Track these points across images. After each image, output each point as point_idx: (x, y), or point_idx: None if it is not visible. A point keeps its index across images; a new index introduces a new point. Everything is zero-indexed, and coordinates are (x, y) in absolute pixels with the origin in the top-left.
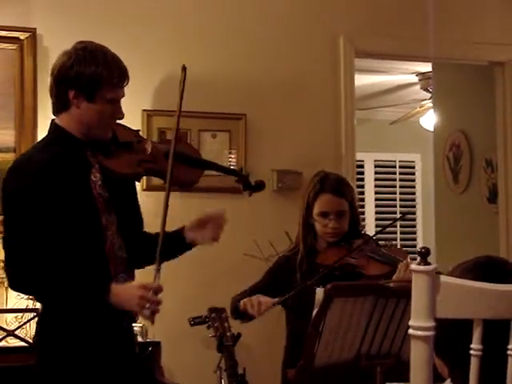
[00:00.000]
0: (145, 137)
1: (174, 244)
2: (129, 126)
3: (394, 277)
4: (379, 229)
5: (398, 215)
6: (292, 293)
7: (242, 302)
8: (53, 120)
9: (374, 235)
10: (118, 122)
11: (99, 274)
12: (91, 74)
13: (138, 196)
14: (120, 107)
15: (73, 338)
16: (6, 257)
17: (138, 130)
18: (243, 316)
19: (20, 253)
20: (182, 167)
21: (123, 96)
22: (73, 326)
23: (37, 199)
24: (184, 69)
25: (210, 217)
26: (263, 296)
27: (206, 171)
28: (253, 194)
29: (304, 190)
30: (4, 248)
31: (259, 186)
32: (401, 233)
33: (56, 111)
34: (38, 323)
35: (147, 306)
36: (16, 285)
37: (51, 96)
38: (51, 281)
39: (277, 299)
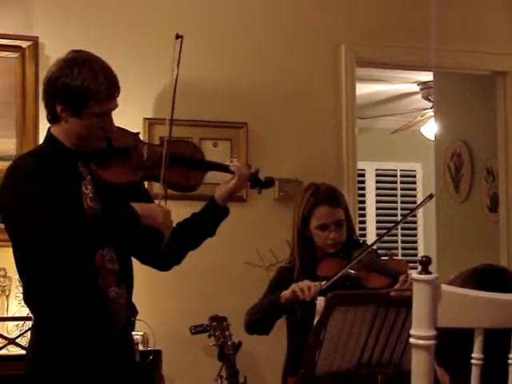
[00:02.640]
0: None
1: (210, 214)
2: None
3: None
4: (379, 237)
5: (400, 225)
6: (335, 278)
7: (286, 292)
8: (49, 128)
9: (373, 244)
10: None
11: (88, 286)
12: (76, 88)
13: None
14: (110, 120)
15: (65, 348)
16: (23, 238)
17: (138, 133)
18: (279, 313)
19: (39, 220)
20: (181, 170)
21: (115, 107)
22: (65, 336)
23: (30, 193)
24: (179, 37)
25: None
26: (309, 280)
27: (211, 179)
28: (262, 191)
29: (296, 204)
30: (18, 235)
31: (269, 183)
32: (402, 241)
33: (50, 121)
34: (31, 333)
35: (168, 224)
36: (50, 241)
37: (44, 105)
38: (82, 224)
39: (324, 282)
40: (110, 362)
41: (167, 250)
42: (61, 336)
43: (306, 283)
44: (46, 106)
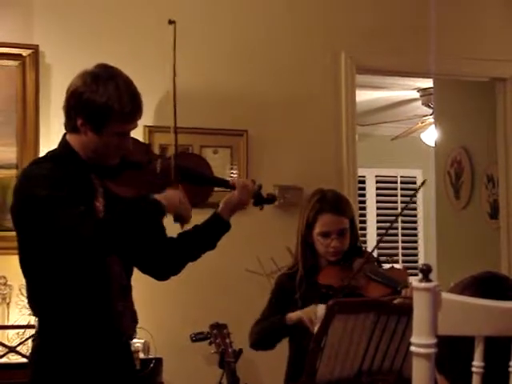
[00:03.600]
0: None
1: (211, 228)
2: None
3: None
4: (379, 244)
5: (400, 231)
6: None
7: (292, 316)
8: (65, 134)
9: (373, 250)
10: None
11: (97, 298)
12: (101, 106)
13: None
14: (128, 140)
15: (70, 356)
16: (74, 238)
17: (149, 145)
18: (282, 334)
19: (84, 224)
20: (190, 187)
21: (135, 128)
22: (70, 345)
23: (59, 196)
24: (171, 23)
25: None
26: (315, 307)
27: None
28: (264, 207)
29: (302, 209)
30: (66, 236)
31: (271, 200)
32: (402, 248)
33: (67, 129)
34: (33, 341)
35: (187, 206)
36: (98, 245)
37: (64, 113)
38: (120, 215)
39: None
40: (113, 370)
41: (166, 259)
42: (65, 345)
43: (314, 311)
44: (67, 117)
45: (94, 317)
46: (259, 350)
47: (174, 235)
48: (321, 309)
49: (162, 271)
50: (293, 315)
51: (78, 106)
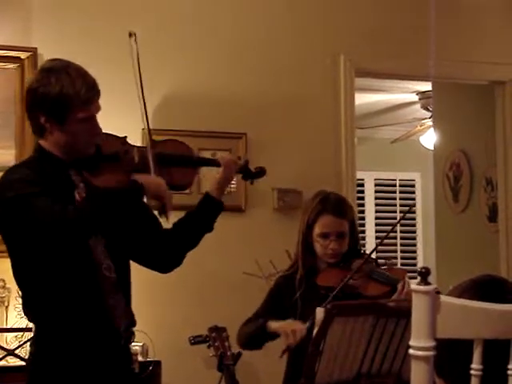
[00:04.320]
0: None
1: (205, 209)
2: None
3: (394, 297)
4: (378, 247)
5: (399, 234)
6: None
7: (273, 324)
8: (37, 142)
9: (371, 252)
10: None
11: (87, 294)
12: (57, 96)
13: None
14: (96, 123)
15: (67, 358)
16: (56, 225)
17: (125, 137)
18: (265, 339)
19: (63, 211)
20: (171, 170)
21: (98, 110)
22: (67, 345)
23: (36, 194)
24: (132, 35)
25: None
26: (295, 322)
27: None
28: (254, 182)
29: (304, 209)
30: (46, 227)
31: (259, 173)
32: (401, 251)
33: (36, 135)
34: (31, 344)
35: (168, 190)
36: (78, 229)
37: (28, 119)
38: (94, 199)
39: (307, 324)
40: (111, 372)
41: (166, 251)
42: (62, 345)
43: (292, 326)
44: (30, 119)
45: (87, 312)
46: (246, 350)
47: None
48: (319, 312)
49: (163, 263)
50: (273, 324)
51: (36, 102)
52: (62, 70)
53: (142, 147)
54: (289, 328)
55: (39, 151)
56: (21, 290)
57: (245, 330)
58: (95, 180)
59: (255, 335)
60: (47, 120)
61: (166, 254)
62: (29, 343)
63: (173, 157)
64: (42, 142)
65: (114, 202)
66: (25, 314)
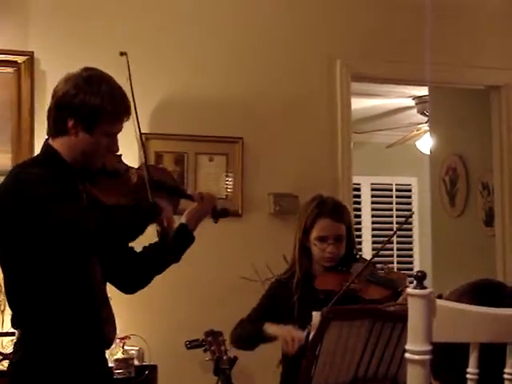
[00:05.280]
0: (142, 160)
1: (178, 239)
2: (120, 149)
3: (398, 301)
4: (376, 252)
5: (395, 238)
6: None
7: (270, 327)
8: (46, 140)
9: (372, 258)
10: None
11: (83, 305)
12: (94, 106)
13: None
14: (116, 141)
15: (51, 367)
16: (81, 230)
17: (120, 155)
18: (259, 341)
19: (75, 212)
20: (162, 195)
21: (121, 130)
22: (51, 354)
23: (60, 195)
24: (123, 54)
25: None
26: (294, 328)
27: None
28: (219, 221)
29: (300, 213)
30: (72, 229)
31: (223, 214)
32: (397, 256)
33: (52, 134)
34: (15, 351)
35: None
36: (101, 236)
37: (49, 118)
38: (123, 210)
39: (306, 332)
40: (93, 377)
41: (133, 272)
42: (53, 352)
43: (292, 333)
44: (54, 119)
45: (81, 324)
46: (238, 349)
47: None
48: (316, 316)
49: (128, 284)
50: (271, 328)
51: (69, 108)
52: (103, 81)
53: (138, 168)
54: (289, 335)
55: (48, 152)
56: (8, 290)
57: (239, 333)
58: (96, 192)
59: (250, 337)
60: (75, 125)
61: (131, 276)
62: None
63: (165, 184)
64: (54, 143)
65: (134, 220)
66: (13, 319)
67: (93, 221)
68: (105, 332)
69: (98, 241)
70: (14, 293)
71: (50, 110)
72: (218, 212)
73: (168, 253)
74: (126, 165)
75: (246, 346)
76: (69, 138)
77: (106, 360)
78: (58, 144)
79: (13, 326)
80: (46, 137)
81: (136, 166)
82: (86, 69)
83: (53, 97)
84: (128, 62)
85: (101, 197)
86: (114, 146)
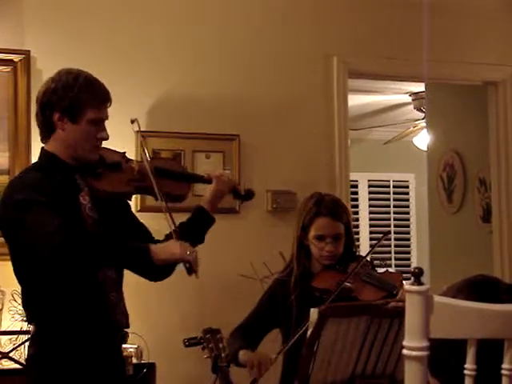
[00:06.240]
0: (139, 158)
1: (197, 221)
2: (117, 148)
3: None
4: (365, 255)
5: (393, 235)
6: (290, 344)
7: (242, 355)
8: (42, 147)
9: (366, 255)
10: (104, 146)
11: (90, 292)
12: (74, 96)
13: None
14: (104, 128)
15: (66, 359)
16: (44, 244)
17: (124, 152)
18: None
19: (56, 232)
20: (168, 182)
21: (107, 117)
22: (67, 344)
23: (41, 203)
24: (133, 122)
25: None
26: (261, 355)
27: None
28: (244, 203)
29: (298, 211)
30: (37, 242)
31: (248, 196)
32: (395, 252)
33: (43, 137)
34: (30, 345)
35: (188, 252)
36: (63, 252)
37: (38, 123)
38: (93, 241)
39: (275, 356)
40: (106, 373)
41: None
42: (63, 346)
43: (258, 358)
44: (41, 121)
45: (89, 309)
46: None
47: None
48: (313, 313)
49: (154, 273)
50: (242, 356)
51: (51, 103)
52: (79, 75)
53: (141, 160)
54: (255, 360)
55: (45, 156)
56: (22, 288)
57: (228, 346)
58: (97, 184)
59: (231, 359)
60: (60, 117)
61: (152, 268)
62: (27, 345)
63: (169, 170)
64: (48, 147)
65: (116, 253)
66: (25, 313)
67: (60, 236)
68: (116, 316)
69: (57, 258)
70: (27, 291)
71: (36, 115)
72: (241, 193)
73: (188, 237)
74: (128, 158)
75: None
76: (58, 133)
77: (116, 353)
78: (51, 146)
79: (27, 321)
80: (42, 145)
81: None
82: (64, 69)
83: (36, 101)
84: (139, 127)
85: (103, 187)
86: (102, 132)
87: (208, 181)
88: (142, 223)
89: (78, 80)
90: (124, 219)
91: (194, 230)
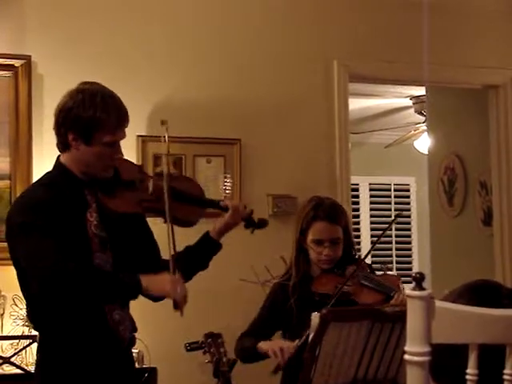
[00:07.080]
0: (140, 162)
1: (203, 248)
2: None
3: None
4: (373, 252)
5: (394, 238)
6: (307, 335)
7: (263, 344)
8: (59, 156)
9: (365, 256)
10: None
11: (93, 312)
12: (89, 118)
13: None
14: (119, 148)
15: (74, 365)
16: (33, 270)
17: (141, 165)
18: (258, 357)
19: (48, 261)
20: (182, 206)
21: (124, 137)
22: (73, 352)
23: (40, 228)
24: (164, 123)
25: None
26: (282, 341)
27: None
28: (255, 232)
29: (297, 214)
30: (31, 274)
31: (262, 224)
32: (396, 256)
33: (60, 149)
34: (38, 352)
35: (178, 290)
36: (50, 289)
37: (55, 134)
38: (85, 280)
39: (296, 343)
40: (115, 377)
41: None
42: (66, 357)
43: (280, 344)
44: (58, 135)
45: (92, 327)
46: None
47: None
48: (315, 317)
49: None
50: (263, 345)
51: (67, 121)
52: (97, 93)
53: (158, 179)
54: (276, 347)
55: (58, 168)
56: (26, 301)
57: (238, 348)
58: (108, 202)
59: (248, 355)
60: (75, 139)
61: None
62: (29, 350)
63: (186, 194)
64: (62, 158)
65: (109, 290)
66: (31, 323)
67: (51, 266)
68: (120, 333)
69: (47, 288)
70: (30, 305)
71: (54, 127)
72: (254, 223)
73: (193, 262)
74: (145, 173)
75: (248, 362)
76: (72, 152)
77: (124, 358)
78: (65, 158)
79: (34, 328)
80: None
81: None
82: (84, 83)
83: (54, 114)
84: (167, 130)
85: (112, 206)
86: (116, 154)
87: (224, 208)
88: (154, 241)
89: (95, 100)
90: (135, 236)
91: (199, 257)
